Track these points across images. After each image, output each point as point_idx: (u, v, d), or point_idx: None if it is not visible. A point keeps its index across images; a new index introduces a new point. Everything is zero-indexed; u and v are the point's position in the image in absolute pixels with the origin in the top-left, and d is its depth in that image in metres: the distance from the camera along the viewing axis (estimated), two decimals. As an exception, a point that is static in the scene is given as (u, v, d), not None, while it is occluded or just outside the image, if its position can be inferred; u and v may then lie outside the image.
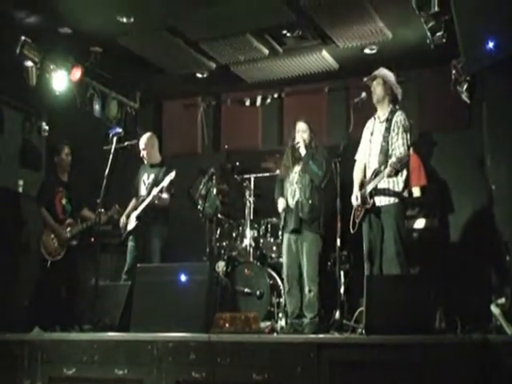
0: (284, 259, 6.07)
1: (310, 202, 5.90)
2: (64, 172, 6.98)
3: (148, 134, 6.85)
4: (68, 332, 5.48)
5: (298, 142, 6.04)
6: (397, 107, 5.54)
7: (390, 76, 5.57)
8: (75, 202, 6.86)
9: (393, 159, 5.16)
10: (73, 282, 6.63)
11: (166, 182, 6.34)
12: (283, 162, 6.22)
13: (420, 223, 6.46)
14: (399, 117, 5.41)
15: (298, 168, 6.07)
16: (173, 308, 4.93)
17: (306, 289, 5.82)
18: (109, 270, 6.86)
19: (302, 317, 5.84)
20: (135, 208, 6.63)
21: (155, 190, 6.38)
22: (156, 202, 6.39)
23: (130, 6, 6.12)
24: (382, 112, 5.51)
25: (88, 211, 6.86)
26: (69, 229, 6.71)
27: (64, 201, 6.84)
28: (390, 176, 5.17)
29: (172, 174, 6.31)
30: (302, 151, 6.00)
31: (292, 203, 5.99)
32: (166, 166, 6.71)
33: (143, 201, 6.52)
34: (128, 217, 6.64)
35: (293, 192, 6.03)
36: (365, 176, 5.53)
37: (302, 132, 6.09)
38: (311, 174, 5.94)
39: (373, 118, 5.60)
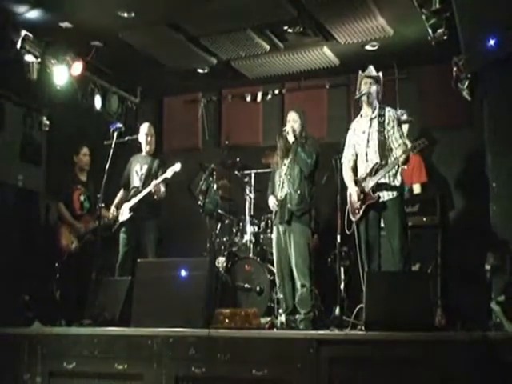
0: (274, 254, 5.98)
1: (299, 192, 5.78)
2: (82, 171, 7.17)
3: (148, 123, 6.90)
4: (70, 326, 5.49)
5: (285, 130, 5.94)
6: (381, 104, 5.56)
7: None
8: (94, 200, 6.90)
9: (408, 146, 5.21)
10: (85, 277, 6.65)
11: (169, 174, 6.34)
12: (276, 153, 6.10)
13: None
14: (391, 111, 5.46)
15: (287, 160, 5.94)
16: (173, 303, 4.95)
17: (298, 284, 5.70)
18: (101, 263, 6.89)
19: (296, 313, 5.75)
20: (126, 199, 6.62)
21: (156, 182, 6.37)
22: (155, 195, 6.40)
23: (130, 1, 6.10)
24: (371, 109, 5.51)
25: (105, 209, 6.87)
26: (85, 224, 6.85)
27: (82, 197, 7.04)
28: (403, 163, 5.20)
29: (177, 167, 6.31)
30: (290, 138, 5.90)
31: (281, 195, 5.89)
32: (159, 158, 6.77)
33: (138, 192, 6.52)
34: (118, 208, 6.64)
35: (281, 184, 5.92)
36: (356, 175, 5.52)
37: (292, 122, 5.97)
38: (300, 162, 5.82)
39: (359, 117, 5.59)
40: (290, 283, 5.83)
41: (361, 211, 5.33)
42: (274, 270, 6.11)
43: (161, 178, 6.39)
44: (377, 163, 5.33)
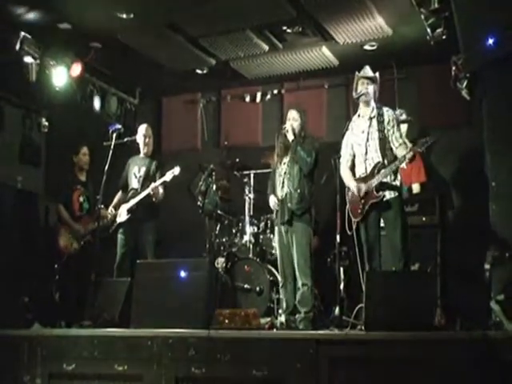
0: (277, 253, 5.97)
1: (299, 191, 5.76)
2: (82, 171, 7.15)
3: (146, 124, 6.90)
4: (70, 327, 5.49)
5: (285, 128, 5.90)
6: (378, 103, 5.56)
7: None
8: (93, 200, 6.90)
9: (408, 145, 5.26)
10: (85, 278, 6.65)
11: (168, 178, 6.33)
12: (276, 152, 6.04)
13: None
14: (389, 111, 5.48)
15: (287, 159, 5.92)
16: (172, 304, 4.94)
17: (300, 283, 5.68)
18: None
19: (296, 312, 5.73)
20: (125, 200, 6.62)
21: (155, 184, 6.37)
22: (154, 197, 6.39)
23: (129, 2, 6.11)
24: (369, 109, 5.51)
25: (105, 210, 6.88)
26: (85, 225, 6.85)
27: (81, 198, 7.03)
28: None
29: (176, 170, 6.31)
30: (290, 137, 5.87)
31: (281, 195, 5.87)
32: (157, 159, 6.76)
33: (136, 194, 6.52)
34: (115, 209, 6.63)
35: (281, 183, 5.90)
36: (354, 174, 5.52)
37: (292, 120, 5.94)
38: (299, 161, 5.80)
39: (357, 117, 5.60)
40: (293, 283, 5.81)
41: (364, 211, 5.33)
42: (274, 271, 6.11)
43: (160, 181, 6.39)
44: (379, 162, 5.33)
